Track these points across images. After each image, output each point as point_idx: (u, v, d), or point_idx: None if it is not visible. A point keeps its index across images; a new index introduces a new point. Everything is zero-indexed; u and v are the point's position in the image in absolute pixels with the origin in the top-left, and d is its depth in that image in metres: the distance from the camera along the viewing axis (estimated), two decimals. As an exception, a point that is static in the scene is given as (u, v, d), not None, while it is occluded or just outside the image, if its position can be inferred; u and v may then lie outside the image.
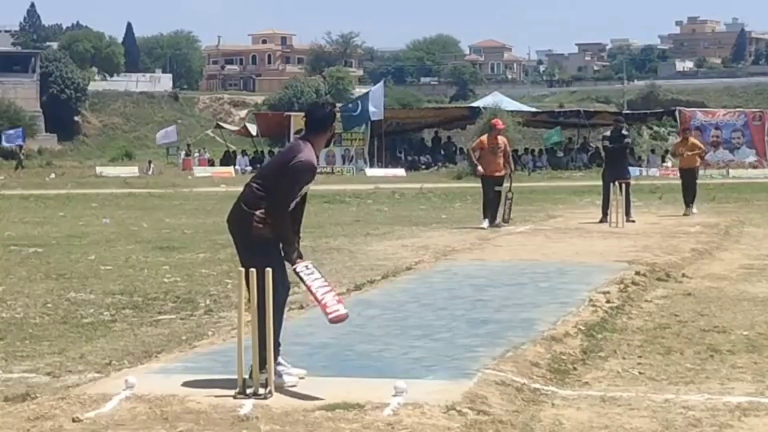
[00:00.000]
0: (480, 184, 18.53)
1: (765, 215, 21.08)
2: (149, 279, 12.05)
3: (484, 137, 18.53)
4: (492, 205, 18.08)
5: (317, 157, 6.48)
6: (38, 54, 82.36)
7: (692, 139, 21.98)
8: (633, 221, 18.03)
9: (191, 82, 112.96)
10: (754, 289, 10.76)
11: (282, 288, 6.28)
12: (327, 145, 6.73)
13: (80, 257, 14.25)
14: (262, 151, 53.65)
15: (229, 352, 6.77)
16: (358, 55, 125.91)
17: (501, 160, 18.12)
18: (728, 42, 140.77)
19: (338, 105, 52.37)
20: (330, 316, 6.21)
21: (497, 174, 18.04)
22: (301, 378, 6.36)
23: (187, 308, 10.06)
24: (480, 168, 18.06)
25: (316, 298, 6.29)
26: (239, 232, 6.39)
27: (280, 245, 6.35)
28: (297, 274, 6.31)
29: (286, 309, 6.77)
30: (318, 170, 6.64)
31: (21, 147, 58.53)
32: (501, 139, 18.28)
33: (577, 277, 11.24)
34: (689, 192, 20.94)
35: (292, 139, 50.50)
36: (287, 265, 6.36)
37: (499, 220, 18.02)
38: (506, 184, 18.33)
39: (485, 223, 17.82)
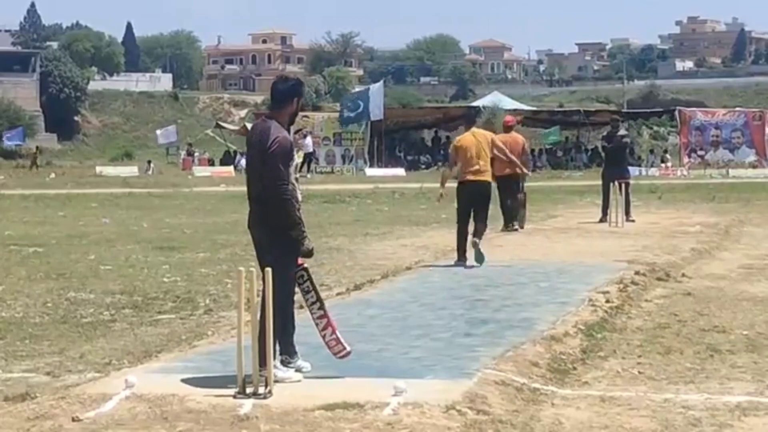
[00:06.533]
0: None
1: (765, 215, 21.07)
2: (149, 279, 12.05)
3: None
4: (504, 211, 16.87)
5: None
6: (38, 54, 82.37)
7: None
8: (633, 221, 18.01)
9: (191, 82, 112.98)
10: (754, 289, 10.77)
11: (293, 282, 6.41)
12: (291, 123, 6.58)
13: (80, 257, 14.25)
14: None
15: (228, 352, 6.77)
16: (358, 55, 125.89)
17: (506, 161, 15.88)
18: (728, 42, 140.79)
19: (338, 103, 52.69)
20: (338, 356, 6.50)
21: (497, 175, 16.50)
22: (307, 371, 6.47)
23: (186, 308, 10.06)
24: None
25: (317, 327, 6.49)
26: (263, 230, 6.41)
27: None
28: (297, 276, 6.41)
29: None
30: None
31: (37, 147, 58.57)
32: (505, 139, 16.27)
33: (577, 276, 11.25)
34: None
35: (293, 139, 50.66)
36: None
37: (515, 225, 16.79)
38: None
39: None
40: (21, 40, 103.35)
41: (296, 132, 47.56)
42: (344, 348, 6.49)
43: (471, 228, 12.35)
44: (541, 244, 14.97)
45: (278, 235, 6.31)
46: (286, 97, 6.49)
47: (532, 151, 54.90)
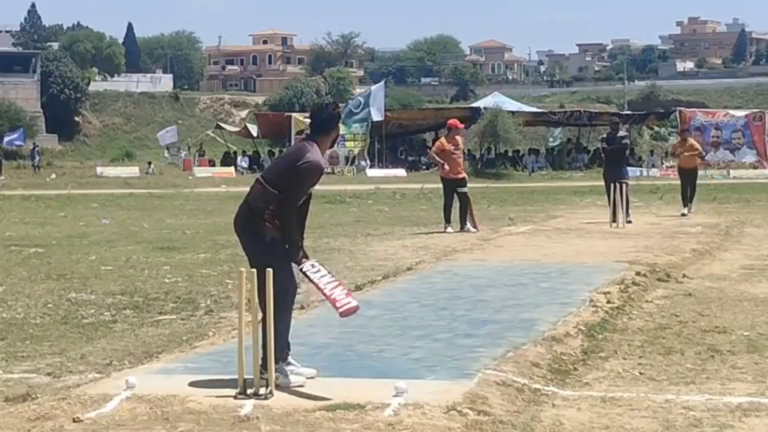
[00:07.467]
0: (441, 186, 18.01)
1: (765, 215, 21.08)
2: (150, 279, 12.05)
3: (443, 139, 18.10)
4: (461, 208, 17.64)
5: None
6: (39, 54, 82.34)
7: (691, 140, 22.50)
8: (630, 222, 17.96)
9: (192, 83, 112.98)
10: (755, 290, 10.76)
11: (290, 287, 6.31)
12: (331, 146, 6.79)
13: (81, 257, 14.25)
14: (258, 152, 53.85)
15: (229, 353, 6.78)
16: (358, 56, 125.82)
17: (461, 161, 17.95)
18: (729, 42, 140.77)
19: (342, 104, 52.89)
20: (340, 310, 6.24)
21: (460, 176, 17.67)
22: (310, 378, 6.37)
23: (187, 308, 10.05)
24: (446, 166, 17.52)
25: (324, 294, 6.28)
26: (247, 231, 6.39)
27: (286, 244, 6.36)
28: (304, 273, 6.31)
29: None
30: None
31: (35, 144, 58.53)
32: (460, 140, 18.12)
33: (578, 277, 11.23)
34: (688, 192, 21.17)
35: (294, 139, 51.20)
36: (293, 264, 6.36)
37: (468, 225, 17.51)
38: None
39: (450, 228, 17.46)
40: (22, 40, 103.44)
41: (297, 133, 47.64)
42: (351, 301, 6.26)
43: None
44: (542, 244, 14.97)
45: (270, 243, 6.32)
46: (330, 124, 6.66)
47: (537, 151, 55.11)
